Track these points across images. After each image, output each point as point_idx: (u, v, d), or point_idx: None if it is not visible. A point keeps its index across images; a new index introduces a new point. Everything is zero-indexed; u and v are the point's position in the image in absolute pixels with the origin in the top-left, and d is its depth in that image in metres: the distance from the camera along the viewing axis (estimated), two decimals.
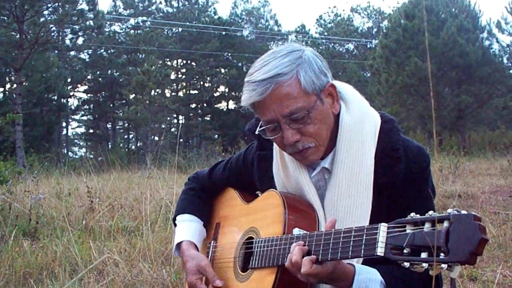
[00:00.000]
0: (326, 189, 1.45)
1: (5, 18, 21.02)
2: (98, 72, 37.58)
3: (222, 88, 38.83)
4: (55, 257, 3.61)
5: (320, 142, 1.41)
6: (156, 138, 33.21)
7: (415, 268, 1.06)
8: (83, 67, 37.73)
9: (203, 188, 1.84)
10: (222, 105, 39.15)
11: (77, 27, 22.55)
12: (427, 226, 1.06)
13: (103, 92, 38.60)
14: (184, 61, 38.40)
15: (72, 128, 42.32)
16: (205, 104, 38.01)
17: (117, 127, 41.13)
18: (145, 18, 40.07)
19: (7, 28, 21.30)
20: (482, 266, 3.42)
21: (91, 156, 29.00)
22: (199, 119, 37.39)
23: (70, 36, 25.70)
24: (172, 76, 36.60)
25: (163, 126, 37.06)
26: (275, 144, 1.54)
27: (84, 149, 40.83)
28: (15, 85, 21.99)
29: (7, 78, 30.43)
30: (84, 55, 37.84)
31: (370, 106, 1.52)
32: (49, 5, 20.76)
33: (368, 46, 40.10)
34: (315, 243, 1.28)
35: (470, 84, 22.70)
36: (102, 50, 37.80)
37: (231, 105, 38.67)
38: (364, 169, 1.41)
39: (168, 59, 37.90)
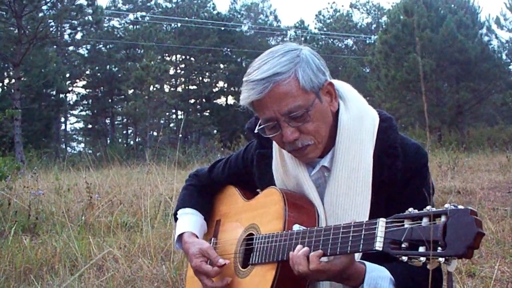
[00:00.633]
0: (326, 187, 1.47)
1: (4, 13, 20.92)
2: (96, 67, 37.50)
3: (221, 84, 38.80)
4: (55, 253, 3.62)
5: (319, 139, 1.42)
6: (155, 134, 33.19)
7: (413, 262, 1.08)
8: (82, 62, 37.64)
9: (203, 185, 1.86)
10: (221, 100, 39.12)
11: (76, 22, 22.47)
12: (424, 221, 1.08)
13: (101, 87, 38.53)
14: (183, 57, 38.33)
15: (70, 123, 42.32)
16: (204, 100, 37.98)
17: (116, 122, 41.08)
18: (144, 13, 39.97)
19: (5, 23, 21.21)
20: (481, 262, 3.43)
21: (90, 151, 29.01)
22: (198, 114, 37.35)
23: (68, 31, 25.67)
24: (171, 72, 36.55)
25: (162, 121, 37.05)
26: (274, 143, 1.56)
27: (82, 145, 40.81)
28: (13, 80, 21.94)
29: (5, 73, 30.36)
30: (82, 50, 37.76)
31: (368, 104, 1.54)
32: (48, 0, 20.69)
33: (367, 41, 40.03)
34: (315, 239, 1.30)
35: (469, 80, 22.69)
36: (101, 45, 37.71)
37: (230, 100, 38.65)
38: (363, 167, 1.43)
39: (167, 54, 37.83)
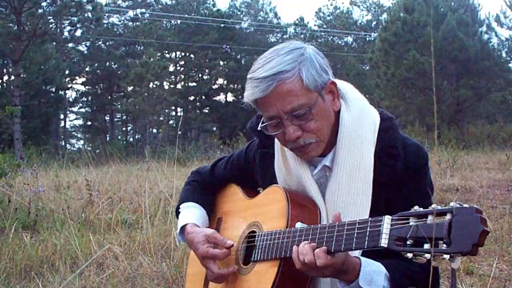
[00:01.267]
0: (327, 185, 1.48)
1: (3, 9, 20.89)
2: (96, 64, 37.47)
3: (220, 81, 38.77)
4: (55, 250, 3.62)
5: (321, 138, 1.44)
6: (155, 131, 33.21)
7: (417, 259, 1.09)
8: (81, 59, 37.60)
9: (205, 182, 1.87)
10: (221, 97, 39.13)
11: (75, 19, 22.43)
12: (430, 219, 1.09)
13: (101, 84, 38.51)
14: (183, 53, 38.29)
15: (70, 120, 42.32)
16: (203, 97, 37.96)
17: (115, 119, 41.07)
18: (143, 10, 39.94)
19: (5, 20, 21.17)
20: (479, 260, 3.44)
21: (89, 148, 29.00)
22: (198, 111, 37.34)
23: (68, 28, 25.61)
24: (171, 68, 36.53)
25: (161, 118, 37.05)
26: (276, 142, 1.57)
27: (81, 141, 40.85)
28: (12, 77, 21.93)
29: (4, 70, 30.33)
30: (82, 47, 37.72)
31: (369, 103, 1.55)
32: None
33: (367, 39, 40.02)
34: (319, 236, 1.30)
35: (469, 78, 22.71)
36: (100, 42, 37.67)
37: (230, 97, 38.66)
38: (364, 166, 1.44)
39: (166, 51, 37.78)
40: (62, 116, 38.80)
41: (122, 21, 39.99)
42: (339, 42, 42.47)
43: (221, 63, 37.92)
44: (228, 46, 37.11)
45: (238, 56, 38.63)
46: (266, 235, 1.48)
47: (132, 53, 36.06)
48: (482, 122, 26.11)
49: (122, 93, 36.47)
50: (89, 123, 40.25)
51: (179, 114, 38.40)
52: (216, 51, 36.46)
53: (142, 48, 33.98)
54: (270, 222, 1.51)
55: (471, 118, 26.51)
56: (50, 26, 22.13)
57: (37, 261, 3.43)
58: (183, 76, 38.73)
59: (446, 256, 1.04)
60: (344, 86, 1.54)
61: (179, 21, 38.19)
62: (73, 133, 42.44)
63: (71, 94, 38.62)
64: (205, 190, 1.85)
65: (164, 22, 38.46)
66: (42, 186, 6.22)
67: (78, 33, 29.94)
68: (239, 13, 43.17)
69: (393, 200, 1.44)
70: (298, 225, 1.38)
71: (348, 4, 44.79)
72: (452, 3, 24.37)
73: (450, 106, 22.89)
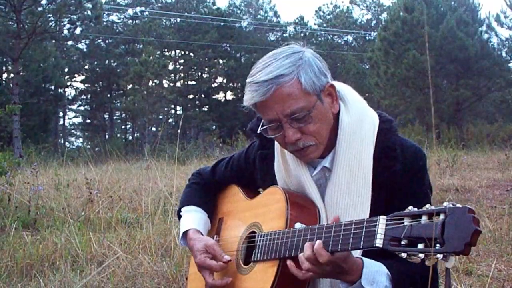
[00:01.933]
0: (327, 186, 1.50)
1: (3, 7, 20.87)
2: (95, 62, 37.45)
3: (220, 79, 38.76)
4: (56, 248, 3.64)
5: (320, 140, 1.46)
6: (154, 129, 33.20)
7: (412, 259, 1.11)
8: (81, 57, 37.57)
9: (206, 184, 1.89)
10: (220, 96, 39.10)
11: (75, 17, 22.39)
12: (424, 219, 1.11)
13: (100, 82, 38.48)
14: (182, 52, 38.26)
15: (69, 118, 42.33)
16: (203, 95, 37.95)
17: (115, 117, 41.06)
18: (143, 8, 39.88)
19: (4, 18, 21.16)
20: (478, 260, 3.45)
21: (88, 146, 29.00)
22: (197, 110, 37.33)
23: (68, 26, 25.53)
24: (170, 67, 36.50)
25: (160, 116, 37.03)
26: (276, 143, 1.59)
27: (81, 139, 40.81)
28: (12, 75, 21.91)
29: (4, 68, 30.29)
30: (81, 45, 37.71)
31: (368, 103, 1.57)
32: None
33: (367, 38, 40.00)
34: (317, 236, 1.32)
35: (469, 78, 22.70)
36: (100, 40, 37.65)
37: (229, 96, 38.65)
38: (363, 167, 1.46)
39: (166, 50, 37.75)
40: (61, 114, 38.78)
41: (121, 19, 39.97)
42: (339, 41, 42.46)
43: (221, 61, 37.90)
44: (227, 45, 37.09)
45: (238, 55, 38.61)
46: (266, 236, 1.50)
47: (131, 51, 36.02)
48: (481, 121, 26.12)
49: (122, 91, 36.44)
50: (88, 121, 40.25)
51: (178, 112, 38.39)
52: (216, 49, 36.43)
53: (141, 46, 33.92)
54: (270, 222, 1.53)
55: (471, 118, 26.52)
56: (50, 24, 22.09)
57: (38, 259, 3.44)
58: (182, 75, 38.70)
59: (440, 256, 1.06)
60: (343, 88, 1.56)
61: (178, 20, 38.16)
62: (72, 131, 42.42)
63: (70, 92, 38.64)
64: (206, 192, 1.87)
65: (164, 21, 38.42)
66: (41, 185, 6.23)
67: (78, 31, 29.93)
68: (238, 11, 43.12)
69: (392, 201, 1.46)
70: (298, 225, 1.40)
71: (348, 3, 44.69)
72: (452, 3, 24.37)
73: (449, 106, 22.89)
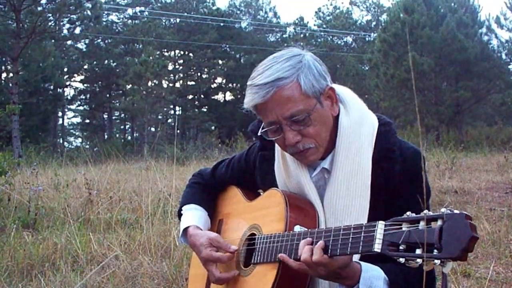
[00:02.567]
0: (326, 188, 1.50)
1: (2, 6, 20.86)
2: (95, 62, 37.41)
3: (219, 80, 38.75)
4: (56, 249, 3.64)
5: (319, 143, 1.47)
6: (153, 129, 33.15)
7: (410, 264, 1.12)
8: (80, 57, 37.52)
9: (207, 184, 1.91)
10: (219, 96, 39.11)
11: (74, 16, 22.36)
12: (421, 224, 1.12)
13: (99, 82, 38.44)
14: (182, 52, 38.24)
15: (68, 118, 42.31)
16: (202, 96, 37.94)
17: (114, 117, 41.02)
18: (143, 8, 39.85)
19: (4, 17, 21.14)
20: (476, 263, 3.47)
21: (87, 146, 28.98)
22: (196, 110, 37.32)
23: (67, 25, 25.51)
24: (170, 67, 36.46)
25: (159, 117, 36.99)
26: (276, 145, 1.60)
27: (79, 139, 40.76)
28: (11, 75, 21.89)
29: (3, 68, 30.27)
30: (81, 45, 37.66)
31: (367, 106, 1.58)
32: None
33: (367, 39, 40.01)
34: (316, 240, 1.33)
35: (468, 79, 22.73)
36: (99, 40, 37.61)
37: (229, 96, 38.64)
38: (362, 170, 1.47)
39: (165, 50, 37.71)
40: (60, 114, 38.73)
41: (121, 19, 39.96)
42: (339, 42, 42.46)
43: (220, 62, 37.89)
44: (227, 45, 37.08)
45: (237, 55, 38.61)
46: (265, 238, 1.51)
47: (131, 51, 36.00)
48: (481, 124, 26.18)
49: (121, 91, 36.41)
50: (87, 121, 40.19)
51: (177, 112, 38.37)
52: (215, 50, 36.43)
53: (141, 46, 33.87)
54: (269, 225, 1.54)
55: (470, 120, 26.57)
56: (49, 23, 22.07)
57: (38, 259, 3.45)
58: (182, 75, 38.69)
59: (437, 261, 1.07)
60: (342, 90, 1.57)
61: (178, 20, 38.15)
62: (71, 130, 42.37)
63: (69, 92, 38.60)
64: (207, 192, 1.88)
65: (163, 21, 38.41)
66: (41, 185, 6.24)
67: (77, 31, 29.84)
68: (238, 12, 43.13)
69: (391, 203, 1.47)
70: (297, 228, 1.41)
71: (348, 4, 44.82)
72: (452, 4, 24.39)
73: (449, 108, 22.92)
